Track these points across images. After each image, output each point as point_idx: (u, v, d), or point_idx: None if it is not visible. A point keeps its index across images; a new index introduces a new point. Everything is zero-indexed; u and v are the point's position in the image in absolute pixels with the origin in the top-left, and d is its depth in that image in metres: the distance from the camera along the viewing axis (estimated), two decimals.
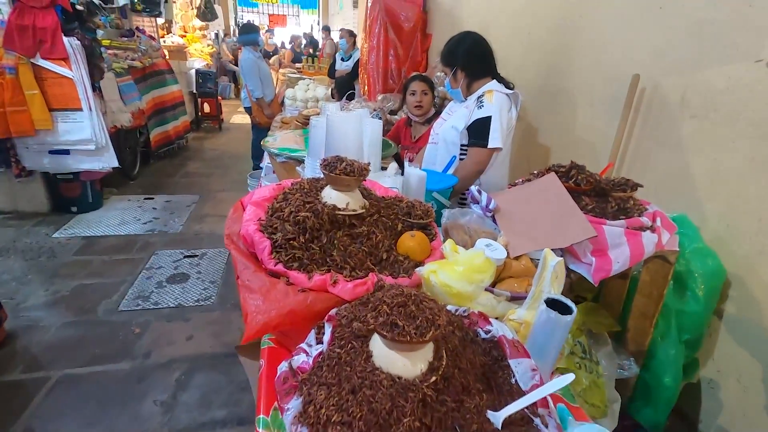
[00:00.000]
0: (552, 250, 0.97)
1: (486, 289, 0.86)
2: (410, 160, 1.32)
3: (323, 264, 0.80)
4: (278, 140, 1.90)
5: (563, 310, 0.70)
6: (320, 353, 0.60)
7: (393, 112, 3.14)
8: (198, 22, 8.78)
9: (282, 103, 4.51)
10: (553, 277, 0.74)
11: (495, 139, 1.53)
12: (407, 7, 3.96)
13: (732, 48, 1.20)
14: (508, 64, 2.27)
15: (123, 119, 4.04)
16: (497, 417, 0.56)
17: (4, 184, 3.35)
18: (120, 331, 2.30)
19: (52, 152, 3.24)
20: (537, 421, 0.56)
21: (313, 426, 0.51)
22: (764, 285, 1.13)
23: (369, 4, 4.11)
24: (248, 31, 4.29)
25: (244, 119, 7.60)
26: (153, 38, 5.58)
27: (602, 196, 1.16)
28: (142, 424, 1.79)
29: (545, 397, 0.58)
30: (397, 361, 0.54)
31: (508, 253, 0.97)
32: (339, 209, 0.87)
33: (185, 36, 8.08)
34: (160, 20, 6.39)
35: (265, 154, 2.30)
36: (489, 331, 0.71)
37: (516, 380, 0.64)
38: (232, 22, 12.39)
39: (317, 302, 0.73)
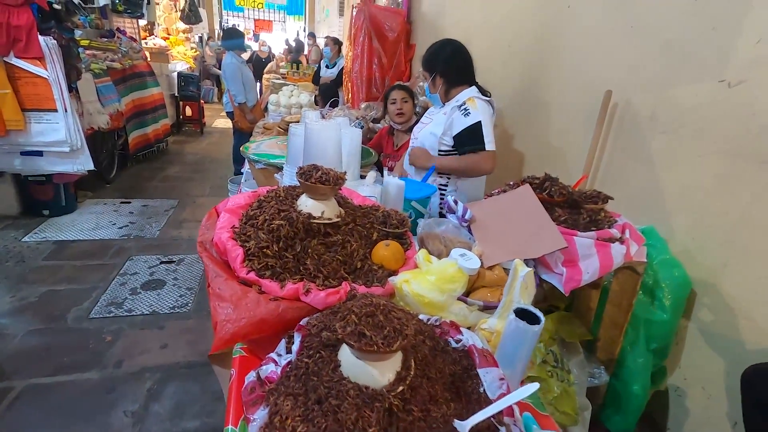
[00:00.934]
0: (525, 260, 0.99)
1: (459, 299, 0.87)
2: (390, 169, 1.34)
3: (296, 273, 0.79)
4: (261, 146, 1.89)
5: (532, 319, 0.72)
6: (288, 362, 0.60)
7: (376, 121, 3.16)
8: (182, 25, 8.69)
9: (265, 109, 4.49)
10: (522, 287, 0.75)
11: (490, 143, 1.56)
12: (392, 17, 4.01)
13: (698, 68, 1.25)
14: (488, 74, 2.31)
15: (100, 121, 3.95)
16: (463, 426, 0.56)
17: None
18: (90, 339, 2.23)
19: (24, 153, 3.14)
20: (502, 430, 0.57)
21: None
22: (728, 296, 1.17)
23: (354, 13, 4.14)
24: (232, 36, 4.27)
25: (226, 123, 7.53)
26: (134, 39, 5.50)
27: (575, 207, 1.19)
28: None
29: (511, 406, 0.59)
30: (365, 371, 0.55)
31: (482, 262, 0.98)
32: (314, 218, 0.86)
33: (168, 38, 7.98)
34: (143, 22, 6.30)
35: (246, 165, 2.29)
36: (459, 341, 0.72)
37: (484, 389, 0.64)
38: (216, 26, 12.30)
39: (289, 311, 0.72)
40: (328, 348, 0.59)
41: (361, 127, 2.88)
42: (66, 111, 3.09)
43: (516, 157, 2.24)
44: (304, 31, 12.21)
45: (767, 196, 1.07)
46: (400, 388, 0.55)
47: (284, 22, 14.62)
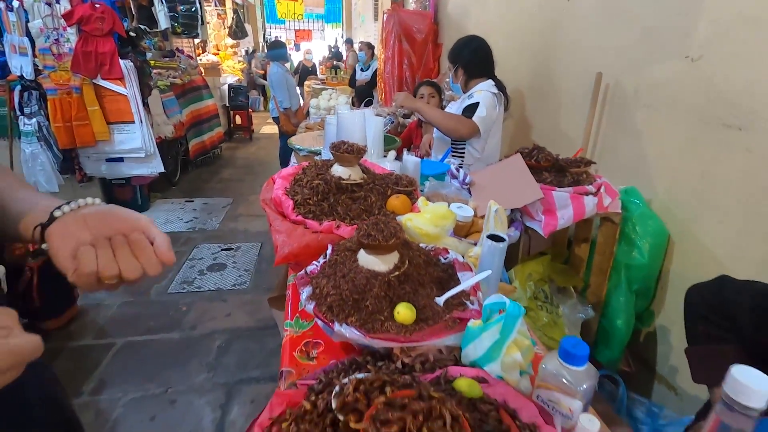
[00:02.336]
0: (513, 210, 1.25)
1: (456, 238, 1.14)
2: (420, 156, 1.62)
3: (330, 216, 1.10)
4: (303, 141, 2.25)
5: (500, 240, 0.98)
6: (324, 262, 0.90)
7: (406, 116, 3.45)
8: (230, 41, 9.41)
9: (307, 113, 4.91)
10: (495, 219, 1.01)
11: (477, 117, 1.80)
12: (419, 19, 4.29)
13: (670, 48, 1.44)
14: (505, 66, 2.54)
15: (166, 131, 4.52)
16: (440, 299, 0.84)
17: (69, 189, 3.85)
18: (170, 309, 2.69)
19: (108, 160, 3.73)
20: (467, 302, 0.85)
21: (317, 299, 0.81)
22: (699, 244, 1.35)
23: (385, 18, 4.46)
24: (276, 47, 4.71)
25: (272, 129, 8.09)
26: (191, 57, 6.13)
27: (560, 171, 1.42)
28: (191, 379, 2.14)
29: (474, 288, 0.86)
30: (373, 261, 0.84)
31: (476, 213, 1.25)
32: (343, 179, 1.17)
33: (218, 53, 8.70)
34: (197, 40, 6.96)
35: (292, 158, 2.66)
36: (447, 258, 1.00)
37: (464, 291, 0.92)
38: (260, 39, 13.10)
39: (325, 239, 1.03)
40: (350, 251, 0.89)
41: (393, 123, 3.19)
42: (141, 122, 3.64)
43: (527, 135, 2.46)
44: (342, 37, 12.73)
45: (725, 153, 1.25)
46: (396, 273, 0.84)
47: (323, 30, 15.26)
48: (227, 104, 7.26)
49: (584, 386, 0.67)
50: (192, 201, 4.54)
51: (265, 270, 3.23)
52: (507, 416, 0.64)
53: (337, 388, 0.59)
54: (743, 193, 1.20)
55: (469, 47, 1.99)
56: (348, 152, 1.17)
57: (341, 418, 0.55)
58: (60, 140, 3.43)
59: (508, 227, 1.27)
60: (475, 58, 1.97)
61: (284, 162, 4.98)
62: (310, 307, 0.82)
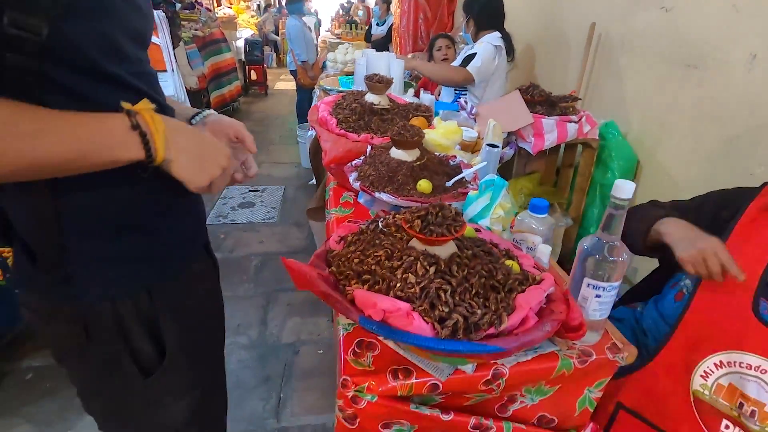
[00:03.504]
0: (509, 133, 1.56)
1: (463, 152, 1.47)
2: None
3: (366, 130, 1.43)
4: (331, 82, 2.56)
5: (494, 147, 1.30)
6: (365, 157, 1.24)
7: None
8: None
9: (323, 67, 5.11)
10: (493, 131, 1.33)
11: (472, 67, 2.07)
12: None
13: (648, 0, 1.69)
14: (515, 20, 2.76)
15: (191, 82, 4.78)
16: (449, 182, 1.18)
17: None
18: (209, 236, 3.08)
19: None
20: (468, 185, 1.18)
21: (362, 179, 1.15)
22: (660, 166, 1.67)
23: None
24: (294, 1, 4.86)
25: (286, 86, 8.28)
26: (210, 10, 6.27)
27: (552, 105, 1.71)
28: (235, 289, 2.55)
29: (475, 174, 1.19)
30: (401, 154, 1.17)
31: (479, 135, 1.56)
32: (375, 104, 1.49)
33: (231, 7, 8.75)
34: None
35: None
36: (455, 161, 1.33)
37: (464, 178, 1.25)
38: None
39: (363, 147, 1.36)
40: (384, 149, 1.22)
41: (409, 75, 3.44)
42: (173, 71, 3.91)
43: (532, 80, 2.73)
44: None
45: (684, 88, 1.54)
46: (418, 162, 1.17)
47: None
48: (243, 59, 7.42)
49: (542, 228, 1.01)
50: None
51: (290, 208, 3.60)
52: (491, 245, 0.99)
53: (381, 220, 0.93)
54: (694, 120, 1.49)
55: (487, 1, 2.22)
56: (379, 82, 1.48)
57: (385, 230, 0.89)
58: None
59: (504, 147, 1.59)
60: (485, 11, 2.21)
61: (301, 114, 5.24)
62: (357, 184, 1.16)
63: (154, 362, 0.72)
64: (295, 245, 3.06)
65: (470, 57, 2.11)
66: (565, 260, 1.83)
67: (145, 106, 0.57)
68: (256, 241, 3.07)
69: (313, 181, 3.90)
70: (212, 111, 0.89)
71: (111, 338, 0.67)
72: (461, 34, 3.55)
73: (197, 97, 5.14)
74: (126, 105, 0.56)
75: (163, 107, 0.70)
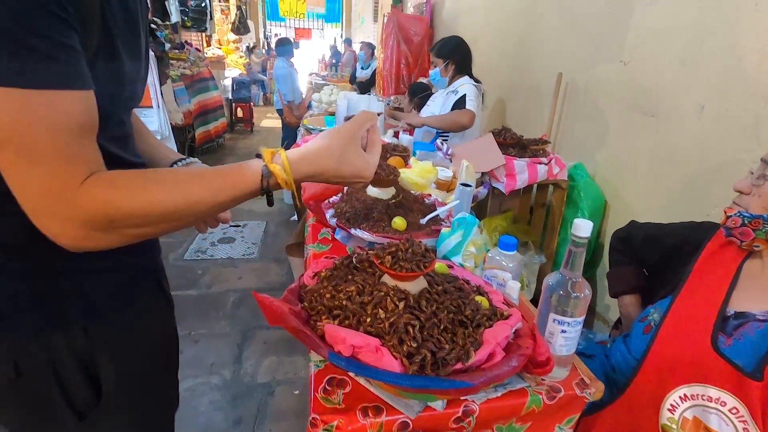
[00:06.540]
0: (483, 174, 1.63)
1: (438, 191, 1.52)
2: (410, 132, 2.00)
3: None
4: (315, 122, 2.65)
5: (467, 186, 1.36)
6: (342, 195, 1.27)
7: (398, 109, 3.84)
8: (232, 36, 9.73)
9: (309, 106, 5.27)
10: (466, 172, 1.39)
11: (470, 106, 2.17)
12: (416, 23, 4.68)
13: (608, 52, 1.84)
14: (488, 65, 2.94)
15: (177, 118, 4.85)
16: (423, 219, 1.21)
17: None
18: (187, 272, 3.03)
19: None
20: (443, 222, 1.22)
21: (338, 216, 1.18)
22: (624, 204, 1.76)
23: (385, 21, 4.84)
24: (284, 44, 5.07)
25: (272, 123, 8.43)
26: (199, 50, 6.45)
27: (523, 148, 1.81)
28: (211, 325, 2.49)
29: (449, 212, 1.23)
30: (377, 192, 1.21)
31: (454, 175, 1.62)
32: None
33: (220, 48, 9.02)
34: (205, 34, 7.28)
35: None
36: (430, 199, 1.37)
37: (438, 215, 1.29)
38: (261, 35, 13.41)
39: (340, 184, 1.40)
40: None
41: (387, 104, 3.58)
42: (159, 107, 3.96)
43: (504, 122, 2.86)
44: (341, 37, 13.09)
45: (642, 133, 1.65)
46: (393, 200, 1.21)
47: (322, 29, 15.59)
48: (230, 97, 7.57)
49: (512, 264, 1.04)
50: None
51: (271, 244, 3.59)
52: (462, 282, 1.02)
53: (355, 256, 0.95)
54: (653, 163, 1.59)
55: (460, 46, 2.37)
56: None
57: (358, 265, 0.91)
58: None
59: (478, 187, 1.65)
60: (463, 56, 2.35)
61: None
62: (333, 220, 1.19)
63: (90, 403, 0.69)
64: (273, 281, 3.03)
65: (461, 100, 2.22)
66: (539, 297, 1.87)
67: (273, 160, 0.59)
68: (234, 277, 3.03)
69: (295, 216, 3.92)
70: (195, 159, 0.88)
71: (42, 377, 0.64)
72: (431, 78, 3.75)
73: (182, 132, 5.20)
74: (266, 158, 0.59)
75: (133, 165, 0.67)
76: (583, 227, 0.80)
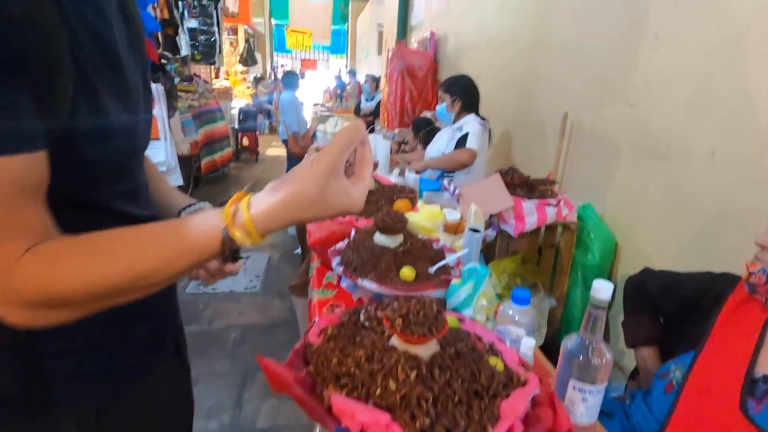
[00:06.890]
0: (491, 216, 1.61)
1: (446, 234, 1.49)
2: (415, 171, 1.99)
3: None
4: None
5: (477, 231, 1.33)
6: (349, 241, 1.25)
7: (403, 143, 3.87)
8: (240, 67, 9.99)
9: (313, 137, 5.33)
10: (474, 216, 1.36)
11: (472, 144, 2.17)
12: (421, 58, 4.77)
13: (615, 94, 1.85)
14: (494, 102, 2.96)
15: (183, 149, 4.91)
16: (432, 268, 1.18)
17: None
18: (188, 305, 2.98)
19: None
20: (452, 271, 1.18)
21: (345, 264, 1.15)
22: (635, 246, 1.72)
23: (389, 56, 4.94)
24: (291, 76, 5.18)
25: (276, 152, 8.52)
26: (207, 82, 6.59)
27: (531, 188, 1.79)
28: (211, 364, 2.42)
29: (457, 264, 1.20)
30: (385, 240, 1.18)
31: (462, 217, 1.60)
32: None
33: (228, 78, 9.24)
34: (213, 66, 7.47)
35: None
36: (438, 245, 1.34)
37: (448, 264, 1.26)
38: (268, 67, 13.76)
39: (348, 229, 1.38)
40: (368, 233, 1.23)
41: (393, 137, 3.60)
42: (166, 139, 4.01)
43: (509, 161, 2.86)
44: (346, 68, 13.42)
45: (651, 176, 1.63)
46: (402, 248, 1.18)
47: (327, 60, 16.02)
48: (236, 127, 7.69)
49: (526, 320, 1.00)
50: None
51: (274, 277, 3.54)
52: (475, 338, 0.98)
53: (363, 311, 0.92)
54: (663, 205, 1.57)
55: (469, 86, 2.39)
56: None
57: (366, 324, 0.88)
58: None
59: (486, 229, 1.62)
60: (470, 93, 2.38)
61: None
62: (339, 269, 1.16)
63: None
64: (276, 317, 2.97)
65: (463, 138, 2.22)
66: (550, 342, 1.80)
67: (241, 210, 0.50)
68: (236, 312, 2.97)
69: (299, 249, 3.88)
70: (204, 204, 0.85)
71: None
72: (438, 113, 3.80)
73: (188, 162, 5.25)
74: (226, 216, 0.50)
75: (144, 219, 0.61)
76: (603, 290, 0.77)
